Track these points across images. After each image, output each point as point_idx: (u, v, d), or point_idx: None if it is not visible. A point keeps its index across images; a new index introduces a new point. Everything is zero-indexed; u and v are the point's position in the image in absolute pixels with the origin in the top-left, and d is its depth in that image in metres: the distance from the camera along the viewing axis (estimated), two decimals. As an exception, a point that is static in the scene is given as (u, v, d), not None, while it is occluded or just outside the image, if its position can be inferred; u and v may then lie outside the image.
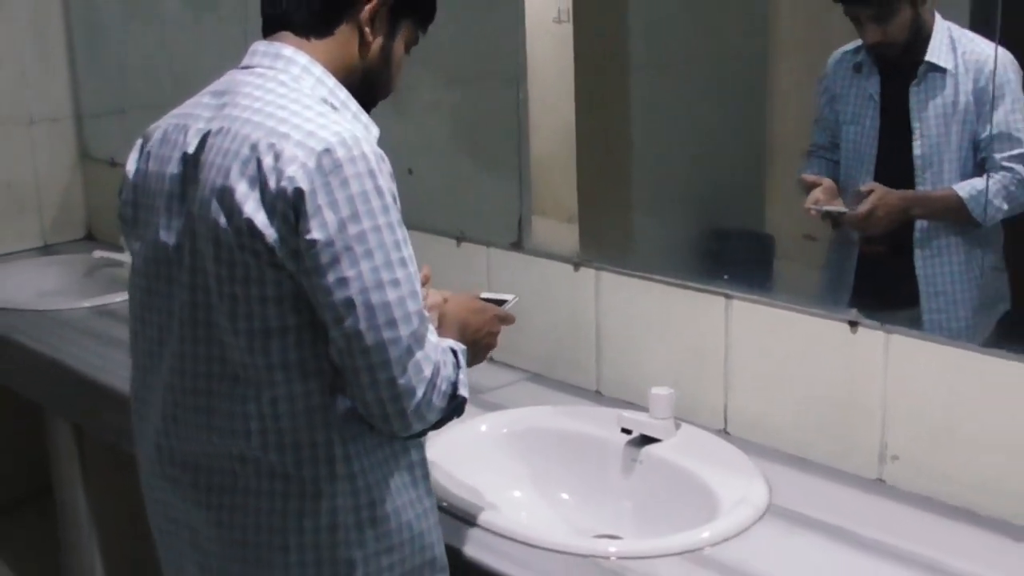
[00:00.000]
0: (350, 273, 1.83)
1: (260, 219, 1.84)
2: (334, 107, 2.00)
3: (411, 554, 2.07)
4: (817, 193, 2.64)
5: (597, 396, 3.09)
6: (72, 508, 3.80)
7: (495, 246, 3.33)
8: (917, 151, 2.54)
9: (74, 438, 3.71)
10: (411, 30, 2.17)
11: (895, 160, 2.57)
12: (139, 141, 2.16)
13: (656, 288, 2.92)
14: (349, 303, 1.84)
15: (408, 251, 1.90)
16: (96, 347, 3.68)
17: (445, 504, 2.46)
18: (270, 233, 1.84)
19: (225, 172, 1.88)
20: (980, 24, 2.42)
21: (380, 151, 1.91)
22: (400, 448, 2.06)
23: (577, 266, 3.10)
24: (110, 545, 3.84)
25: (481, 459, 2.77)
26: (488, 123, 3.42)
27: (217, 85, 2.07)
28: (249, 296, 1.89)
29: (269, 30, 2.10)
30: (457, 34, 3.39)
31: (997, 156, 2.43)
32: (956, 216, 2.49)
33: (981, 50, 2.43)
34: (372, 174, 1.86)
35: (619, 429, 2.77)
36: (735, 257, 3.01)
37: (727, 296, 2.76)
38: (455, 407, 2.01)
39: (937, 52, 2.49)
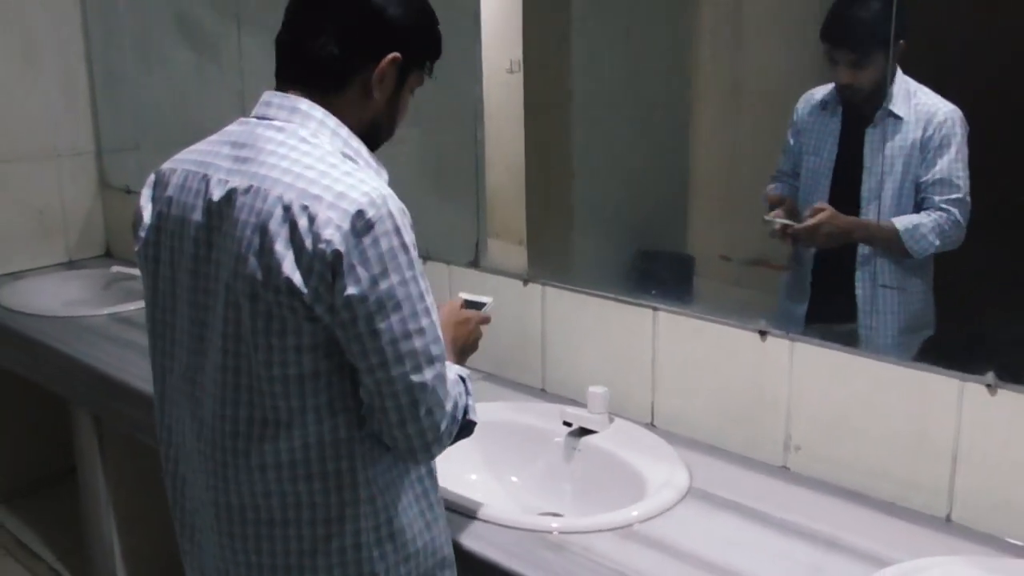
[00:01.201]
0: (381, 325, 1.77)
1: (297, 278, 1.75)
2: (352, 159, 1.90)
3: (425, 558, 2.01)
4: (778, 208, 2.62)
5: (542, 393, 3.08)
6: (92, 487, 3.79)
7: (455, 264, 3.31)
8: (864, 185, 2.50)
9: (94, 427, 3.69)
10: (418, 76, 2.05)
11: (846, 190, 2.54)
12: (151, 179, 2.05)
13: (594, 301, 2.91)
14: (380, 352, 1.79)
15: (430, 299, 1.84)
16: (113, 349, 3.66)
17: None
18: (308, 291, 1.75)
19: (261, 232, 1.77)
20: (933, 81, 2.41)
21: (401, 205, 1.82)
22: (411, 465, 2.00)
23: (526, 282, 3.09)
24: (125, 519, 3.83)
25: None
26: (450, 158, 3.41)
27: (235, 135, 1.93)
28: (285, 346, 1.81)
29: (282, 81, 1.97)
30: (425, 82, 3.38)
31: (936, 198, 2.41)
32: (890, 246, 2.46)
33: (932, 103, 2.41)
34: (398, 231, 1.78)
35: (561, 422, 2.76)
36: (661, 275, 2.99)
37: (654, 308, 2.76)
38: (465, 428, 1.98)
39: (896, 101, 2.44)
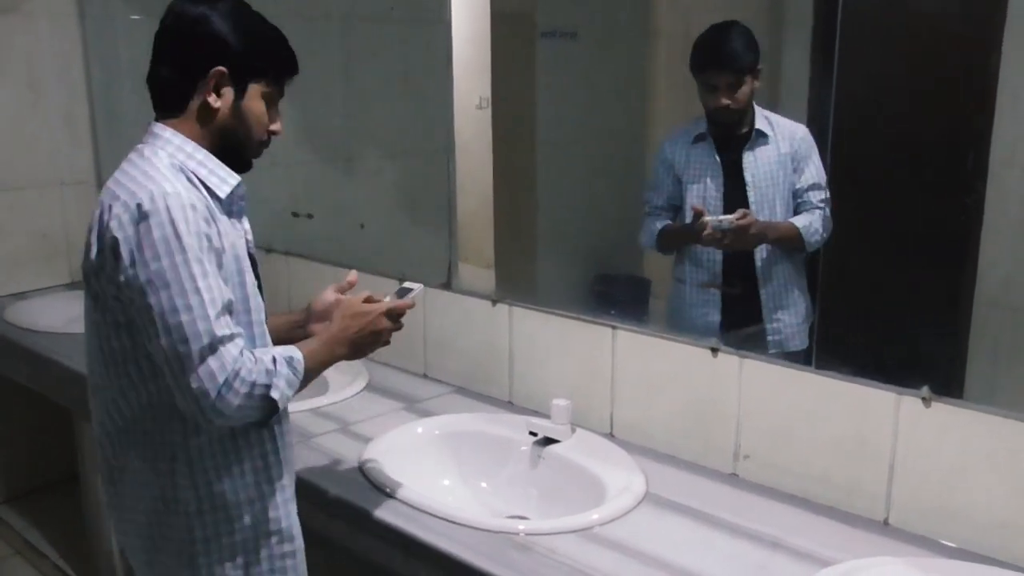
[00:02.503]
0: (151, 300, 1.88)
1: (99, 262, 1.95)
2: (184, 168, 2.00)
3: (252, 527, 2.11)
4: (706, 217, 2.65)
5: (509, 406, 3.04)
6: (93, 490, 3.75)
7: (429, 285, 3.24)
8: (751, 198, 2.65)
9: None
10: (267, 84, 2.09)
11: (737, 208, 2.64)
12: None
13: (557, 320, 2.89)
14: (152, 324, 1.89)
15: (204, 283, 1.90)
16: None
17: (388, 490, 2.44)
18: (105, 273, 1.94)
19: (88, 228, 1.99)
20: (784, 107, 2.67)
21: (188, 203, 1.92)
22: (247, 443, 2.09)
23: (495, 302, 3.06)
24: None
25: (418, 455, 2.74)
26: (424, 187, 3.41)
27: None
28: (106, 321, 2.00)
29: (155, 110, 2.11)
30: (400, 116, 3.46)
31: (813, 199, 2.59)
32: (793, 242, 2.62)
33: (787, 123, 2.65)
34: (172, 222, 1.88)
35: (527, 432, 2.75)
36: (619, 296, 3.01)
37: (613, 327, 2.74)
38: (264, 405, 1.98)
39: (760, 123, 2.65)
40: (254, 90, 2.07)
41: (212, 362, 1.89)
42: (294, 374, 2.01)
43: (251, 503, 2.10)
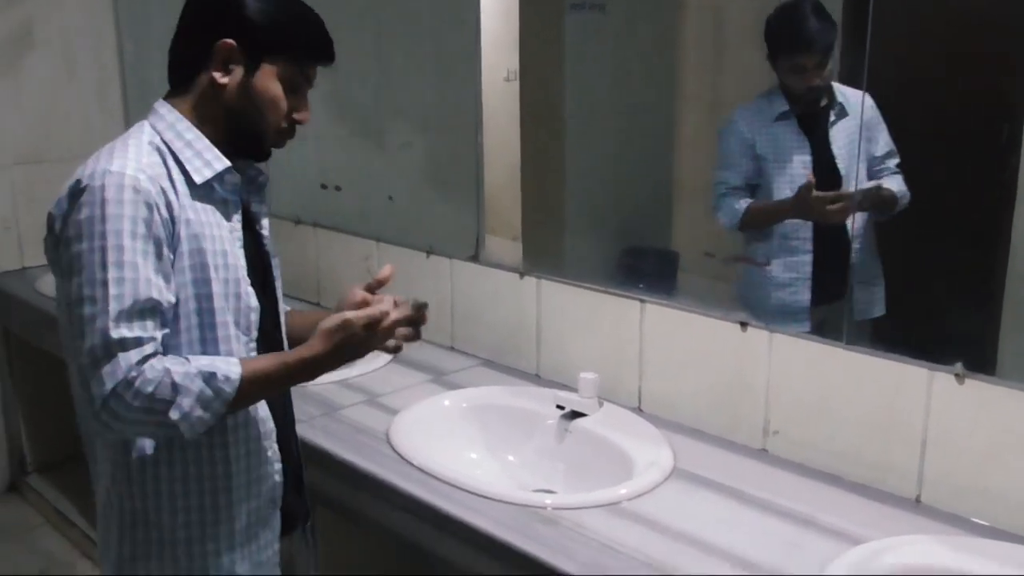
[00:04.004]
0: (67, 285, 1.73)
1: (46, 238, 1.81)
2: (164, 146, 1.84)
3: (173, 564, 1.92)
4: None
5: (537, 379, 3.01)
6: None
7: (457, 258, 3.26)
8: (843, 172, 2.52)
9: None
10: (286, 66, 1.88)
11: (827, 184, 2.51)
12: None
13: (585, 293, 2.85)
14: (66, 310, 1.75)
15: (116, 274, 1.69)
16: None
17: (415, 462, 2.41)
18: (49, 249, 1.81)
19: None
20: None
21: (132, 183, 1.72)
22: (169, 460, 1.87)
23: (522, 275, 3.03)
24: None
25: (445, 427, 2.71)
26: (452, 161, 3.37)
27: None
28: (60, 299, 1.81)
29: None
30: (428, 90, 3.41)
31: (891, 164, 2.43)
32: (890, 206, 2.45)
33: (852, 92, 2.44)
34: (104, 203, 1.70)
35: (554, 405, 2.71)
36: (647, 269, 2.95)
37: (642, 301, 2.69)
38: (165, 422, 1.72)
39: (840, 96, 2.53)
40: (268, 70, 1.87)
41: (105, 366, 1.68)
42: (213, 392, 1.74)
43: (187, 541, 1.90)
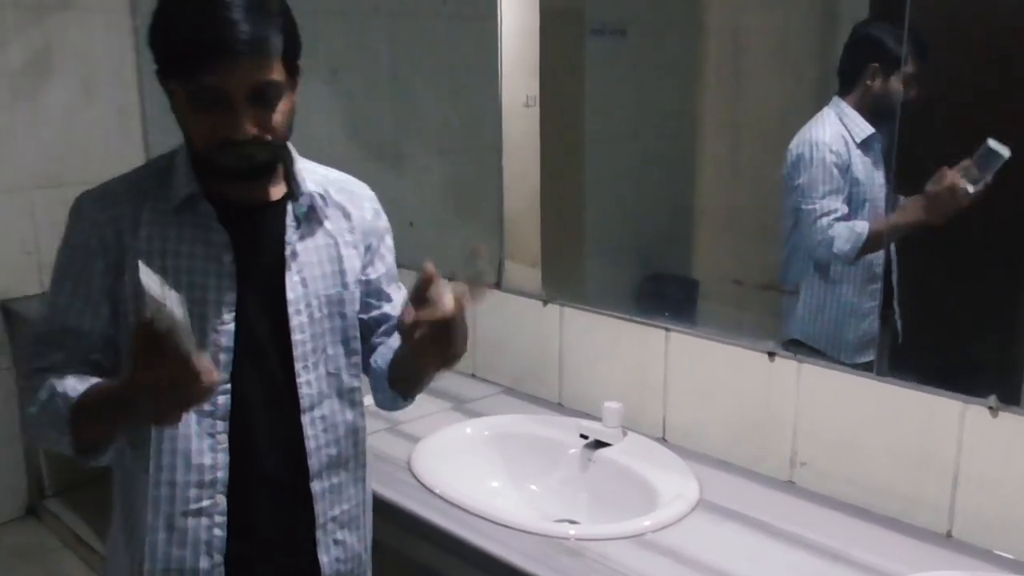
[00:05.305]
0: None
1: None
2: (152, 171, 1.84)
3: None
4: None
5: (559, 407, 2.97)
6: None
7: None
8: None
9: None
10: (180, 83, 1.67)
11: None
12: None
13: (608, 321, 2.81)
14: None
15: (51, 298, 1.79)
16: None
17: (436, 491, 2.39)
18: None
19: None
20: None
21: (77, 206, 1.80)
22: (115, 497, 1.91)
23: (545, 302, 3.00)
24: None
25: (467, 456, 2.68)
26: (473, 185, 3.35)
27: None
28: None
29: None
30: (449, 114, 3.39)
31: None
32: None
33: None
34: (67, 220, 1.81)
35: (577, 434, 2.67)
36: (669, 297, 2.90)
37: (667, 329, 2.66)
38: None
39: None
40: (176, 92, 1.70)
41: (31, 381, 1.73)
42: (54, 402, 1.67)
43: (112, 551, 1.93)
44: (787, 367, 2.40)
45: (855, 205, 2.49)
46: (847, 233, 2.48)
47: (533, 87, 3.23)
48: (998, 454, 2.06)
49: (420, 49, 3.49)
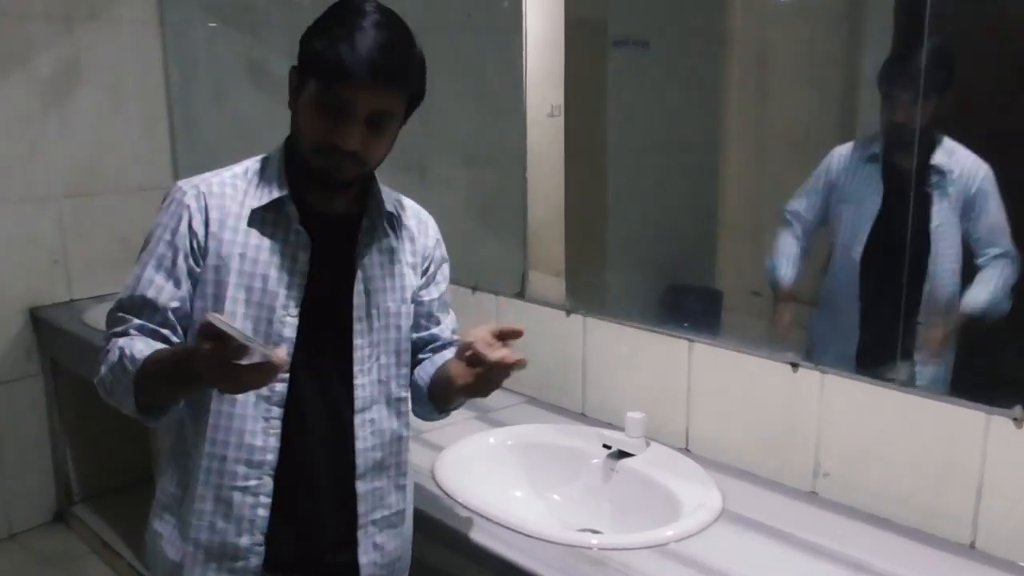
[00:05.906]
0: None
1: None
2: (248, 171, 1.96)
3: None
4: None
5: (582, 417, 2.97)
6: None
7: (502, 295, 3.24)
8: (907, 238, 2.24)
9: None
10: (315, 83, 1.78)
11: (884, 240, 2.35)
12: None
13: (631, 332, 2.81)
14: None
15: (136, 270, 1.90)
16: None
17: (460, 500, 2.39)
18: None
19: None
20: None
21: (178, 197, 1.90)
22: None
23: (569, 312, 3.00)
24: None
25: (490, 465, 2.68)
26: (497, 196, 3.37)
27: None
28: None
29: None
30: (473, 125, 3.42)
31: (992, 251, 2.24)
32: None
33: (973, 159, 2.23)
34: (163, 199, 1.93)
35: (600, 444, 2.68)
36: (692, 308, 2.89)
37: (690, 340, 2.65)
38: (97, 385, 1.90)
39: (938, 155, 2.26)
40: (308, 89, 1.81)
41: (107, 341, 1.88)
42: (122, 363, 1.79)
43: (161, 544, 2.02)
44: (810, 378, 2.39)
45: (844, 222, 2.49)
46: (782, 240, 2.60)
47: (557, 97, 3.24)
48: (1022, 465, 2.04)
49: (446, 61, 3.48)
